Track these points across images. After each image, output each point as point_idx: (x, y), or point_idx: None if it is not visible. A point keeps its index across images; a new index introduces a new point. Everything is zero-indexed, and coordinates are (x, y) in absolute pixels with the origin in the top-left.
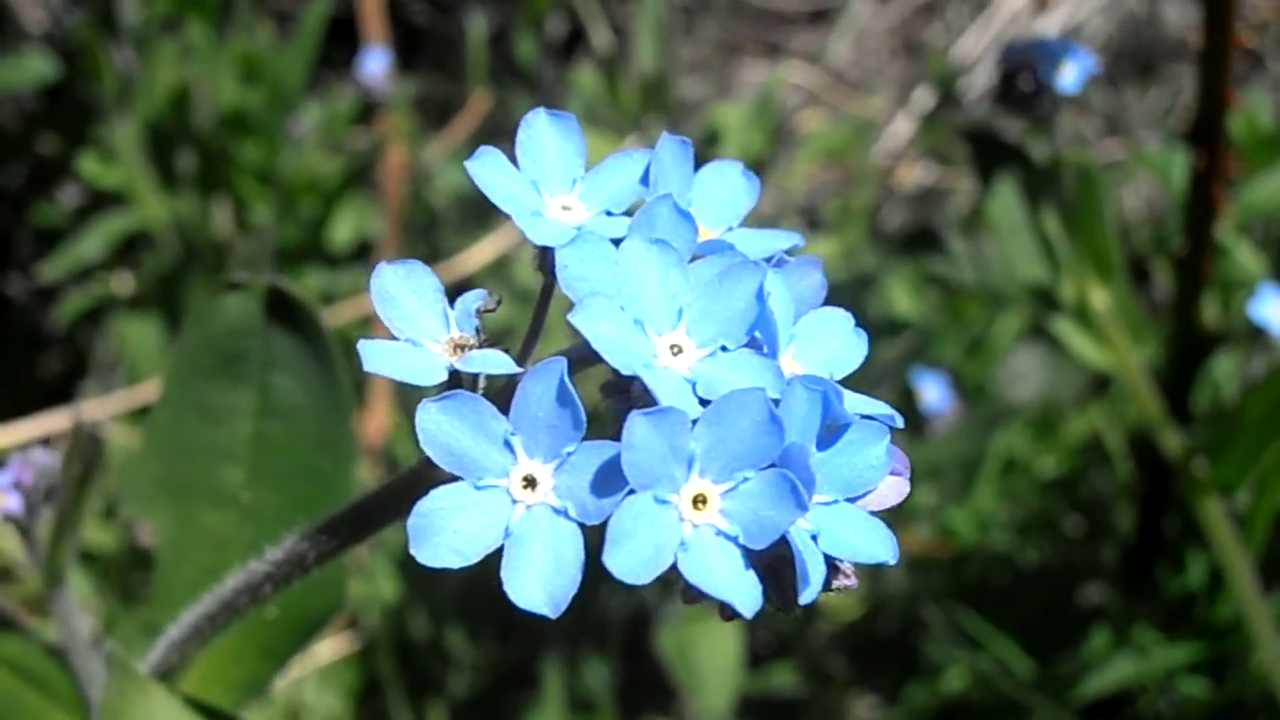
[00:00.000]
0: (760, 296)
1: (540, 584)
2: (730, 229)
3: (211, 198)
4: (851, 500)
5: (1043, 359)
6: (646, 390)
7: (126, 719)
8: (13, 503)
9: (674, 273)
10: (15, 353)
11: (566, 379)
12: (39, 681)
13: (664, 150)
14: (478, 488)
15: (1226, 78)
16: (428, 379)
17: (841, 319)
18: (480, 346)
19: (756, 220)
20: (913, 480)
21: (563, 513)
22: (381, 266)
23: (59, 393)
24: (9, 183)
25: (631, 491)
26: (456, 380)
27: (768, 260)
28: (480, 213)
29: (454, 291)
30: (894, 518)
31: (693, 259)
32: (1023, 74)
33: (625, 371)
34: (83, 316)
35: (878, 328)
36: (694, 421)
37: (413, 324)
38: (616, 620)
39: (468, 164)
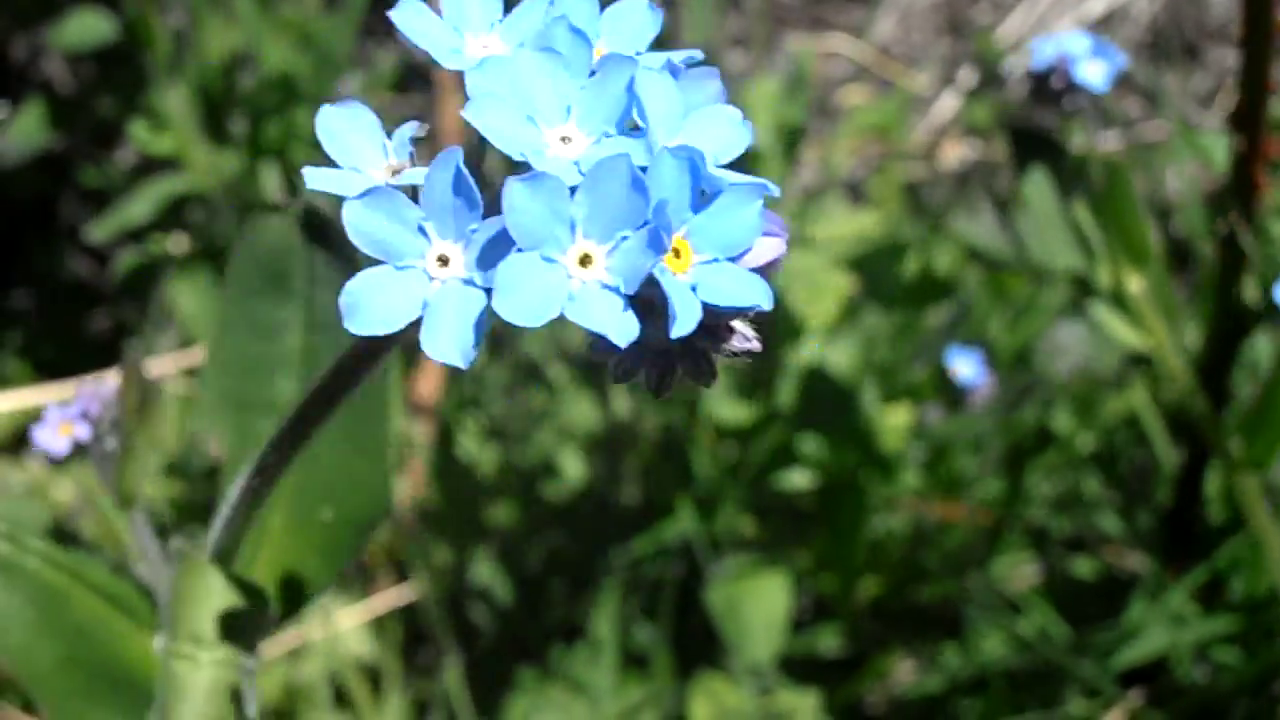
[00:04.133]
0: (630, 86)
1: (453, 342)
2: (638, 54)
3: (261, 161)
4: (733, 260)
5: (1084, 334)
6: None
7: (189, 598)
8: (81, 431)
9: (561, 74)
10: (65, 311)
11: (461, 165)
12: (125, 606)
13: None
14: (398, 268)
15: (1267, 63)
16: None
17: (729, 112)
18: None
19: (801, 192)
20: (949, 454)
21: (470, 283)
22: (324, 108)
23: (108, 351)
24: (70, 142)
25: (519, 251)
26: None
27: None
28: None
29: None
30: (931, 485)
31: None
32: (1054, 73)
33: (516, 158)
34: (132, 277)
35: (921, 293)
36: (575, 190)
37: (354, 155)
38: (669, 580)
39: (390, 13)
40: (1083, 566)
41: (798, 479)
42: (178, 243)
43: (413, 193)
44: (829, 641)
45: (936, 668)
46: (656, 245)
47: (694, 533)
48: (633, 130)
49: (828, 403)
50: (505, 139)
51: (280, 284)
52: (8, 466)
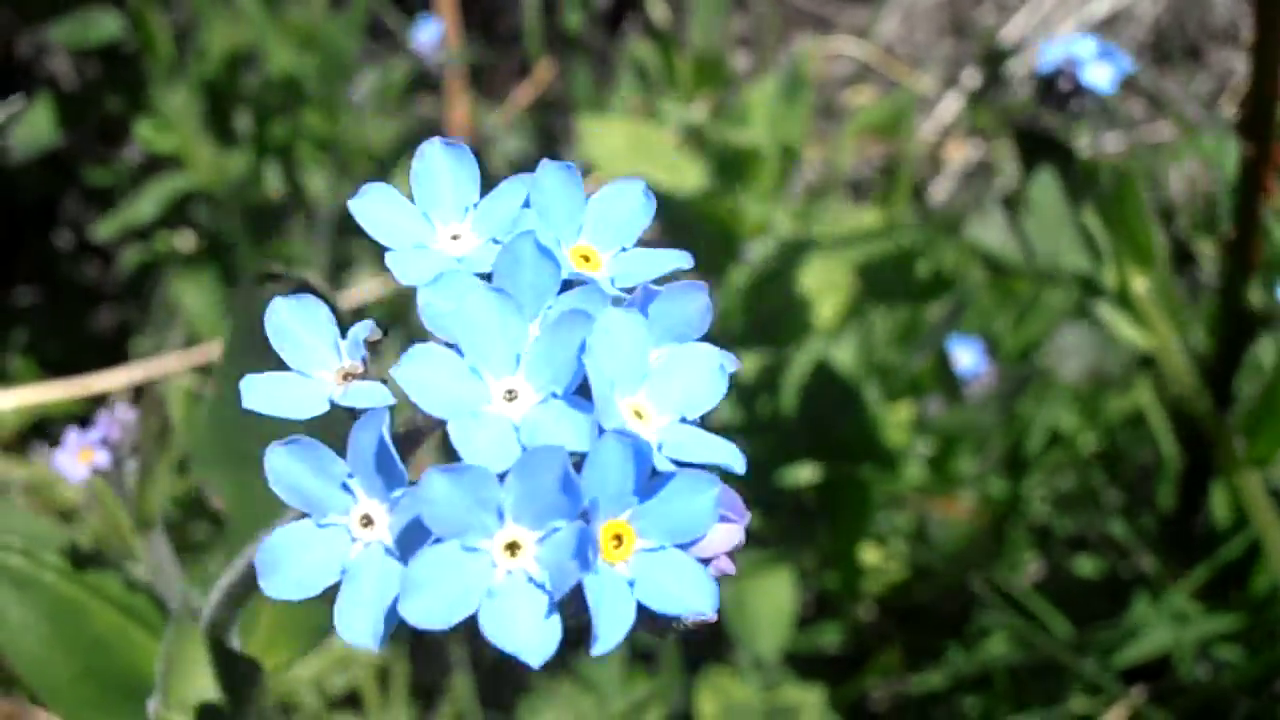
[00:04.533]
0: (584, 348)
1: (366, 620)
2: (624, 249)
3: (265, 160)
4: (683, 547)
5: (1091, 335)
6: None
7: (180, 666)
8: (101, 458)
9: (513, 319)
10: (70, 309)
11: (384, 432)
12: (141, 618)
13: (544, 177)
14: (320, 525)
15: (1277, 68)
16: (307, 412)
17: (706, 355)
18: (366, 375)
19: (805, 191)
20: (952, 448)
21: (393, 553)
22: (276, 300)
23: (113, 349)
24: (75, 139)
25: (437, 541)
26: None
27: (628, 291)
28: None
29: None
30: (935, 482)
31: (572, 285)
32: (1061, 76)
33: (446, 420)
34: (137, 274)
35: (925, 292)
36: (508, 473)
37: (304, 355)
38: None
39: (351, 203)
40: (1086, 565)
41: (802, 476)
42: (183, 240)
43: (353, 416)
44: (832, 638)
45: (940, 666)
46: (583, 560)
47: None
48: (579, 393)
49: (832, 401)
50: (438, 401)
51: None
52: (14, 464)
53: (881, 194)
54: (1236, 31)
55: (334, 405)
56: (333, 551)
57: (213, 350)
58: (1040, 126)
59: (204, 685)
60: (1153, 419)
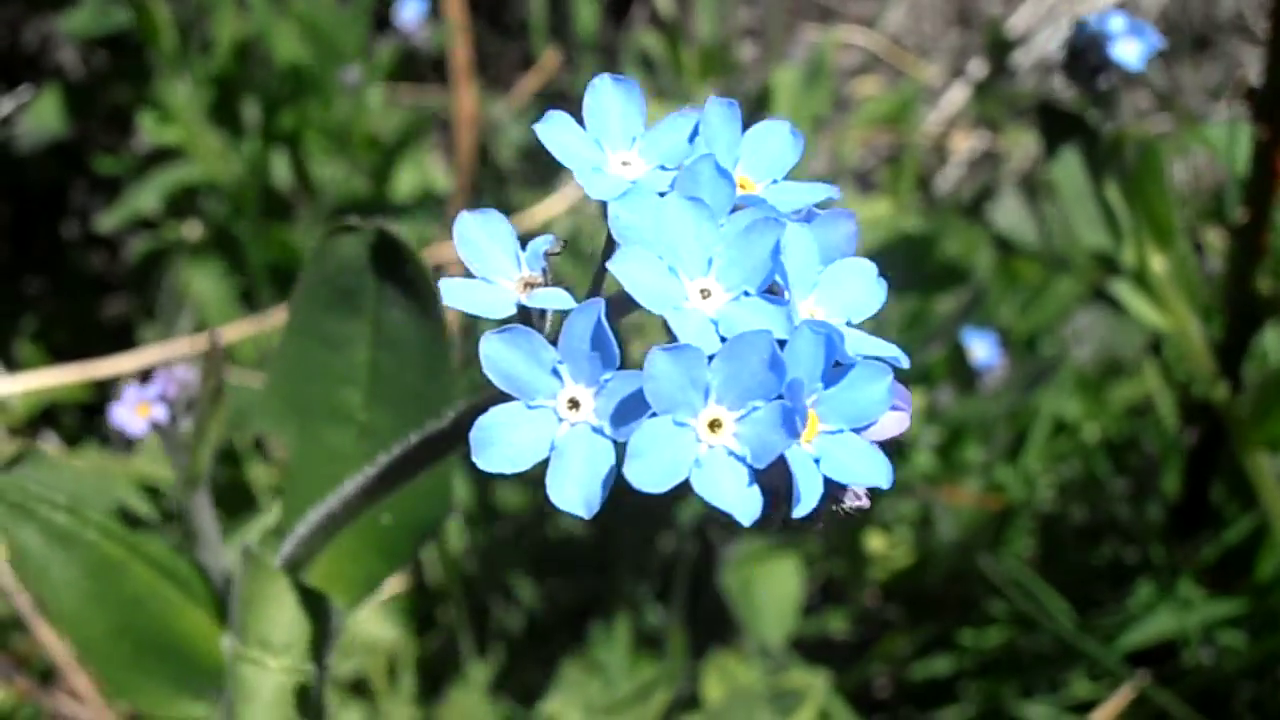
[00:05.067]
0: (776, 252)
1: (578, 490)
2: (775, 182)
3: (272, 149)
4: (857, 431)
5: (1103, 320)
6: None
7: (258, 604)
8: (159, 413)
9: (706, 226)
10: (79, 296)
11: (602, 318)
12: (177, 578)
13: (711, 112)
14: (530, 407)
15: None
16: (498, 313)
17: (865, 268)
18: (546, 285)
19: (809, 178)
20: (960, 437)
21: (599, 431)
22: (462, 214)
23: (121, 336)
24: (83, 129)
25: (654, 415)
26: (524, 315)
27: (797, 213)
28: (545, 170)
29: (522, 241)
30: (941, 469)
31: (735, 209)
32: (1090, 50)
33: (656, 312)
34: (144, 263)
35: (935, 280)
36: (713, 356)
37: (488, 264)
38: (683, 561)
39: (536, 126)
40: (1091, 552)
41: None
42: (191, 229)
43: (540, 317)
44: (838, 624)
45: (945, 651)
46: (790, 428)
47: (707, 515)
48: (768, 292)
49: None
50: (648, 294)
51: (349, 300)
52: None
53: (888, 184)
54: (1243, 22)
55: (521, 308)
56: (541, 431)
57: (222, 335)
58: (1062, 103)
59: (283, 620)
60: (1160, 404)
